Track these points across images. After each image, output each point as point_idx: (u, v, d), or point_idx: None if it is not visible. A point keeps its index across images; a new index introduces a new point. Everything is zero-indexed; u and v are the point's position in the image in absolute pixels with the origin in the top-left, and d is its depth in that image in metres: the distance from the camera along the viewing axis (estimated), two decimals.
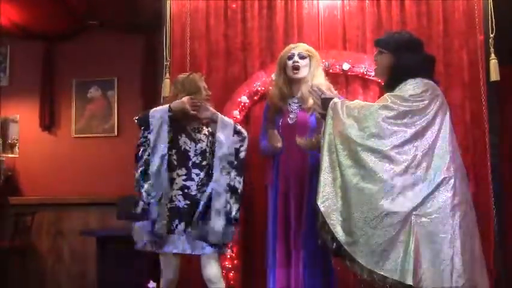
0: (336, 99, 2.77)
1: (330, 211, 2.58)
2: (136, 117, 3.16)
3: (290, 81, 3.40)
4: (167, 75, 4.08)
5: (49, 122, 5.90)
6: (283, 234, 3.31)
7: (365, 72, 3.83)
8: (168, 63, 4.10)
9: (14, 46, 6.00)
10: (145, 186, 3.03)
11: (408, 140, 2.58)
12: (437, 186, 2.53)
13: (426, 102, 2.63)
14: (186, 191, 3.14)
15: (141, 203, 3.04)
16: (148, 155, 3.05)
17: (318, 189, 2.64)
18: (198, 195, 3.15)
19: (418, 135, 2.59)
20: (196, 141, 3.22)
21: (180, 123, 3.19)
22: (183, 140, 3.19)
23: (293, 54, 3.36)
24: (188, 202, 3.13)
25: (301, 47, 3.43)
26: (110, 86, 5.83)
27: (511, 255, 3.94)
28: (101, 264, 4.07)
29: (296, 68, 3.34)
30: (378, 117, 2.59)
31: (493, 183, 3.65)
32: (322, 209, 2.60)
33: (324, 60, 3.69)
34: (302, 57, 3.36)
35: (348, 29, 3.97)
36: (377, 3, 3.96)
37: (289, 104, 3.39)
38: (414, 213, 2.49)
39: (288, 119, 3.36)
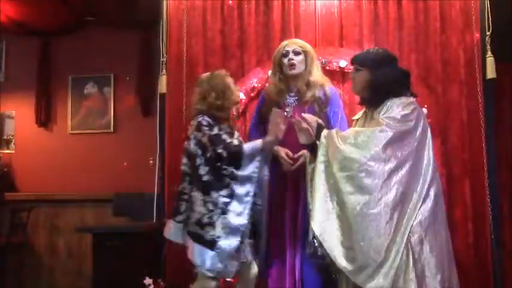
0: (326, 130, 2.78)
1: (331, 243, 2.55)
2: None
3: (286, 78, 3.39)
4: (163, 71, 4.08)
5: (45, 118, 5.90)
6: (278, 231, 3.30)
7: None
8: (165, 60, 4.10)
9: (10, 42, 5.99)
10: None
11: (404, 160, 2.58)
12: (424, 202, 2.57)
13: (414, 121, 2.64)
14: None
15: None
16: None
17: (314, 219, 2.59)
18: None
19: (411, 155, 2.60)
20: None
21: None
22: None
23: (288, 52, 3.34)
24: None
25: (294, 44, 3.40)
26: (106, 82, 5.83)
27: (507, 254, 3.95)
28: (96, 261, 4.06)
29: (292, 65, 3.32)
30: (377, 141, 2.58)
31: (489, 181, 3.65)
32: (321, 241, 2.56)
33: (320, 58, 3.68)
34: (297, 54, 3.34)
35: (345, 26, 3.97)
36: (374, 1, 3.96)
37: (286, 99, 3.38)
38: (411, 229, 2.52)
39: (285, 113, 3.35)
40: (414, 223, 2.52)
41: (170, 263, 3.94)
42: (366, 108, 2.91)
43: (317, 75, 3.35)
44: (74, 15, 5.52)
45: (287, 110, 3.32)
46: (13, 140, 6.00)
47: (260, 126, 3.48)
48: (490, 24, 3.69)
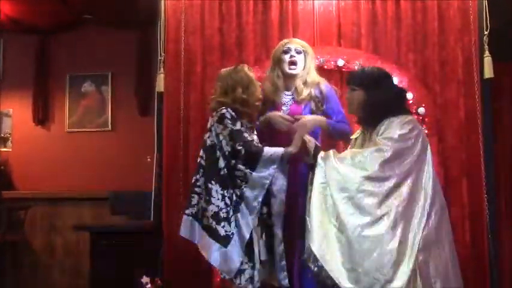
0: (322, 151, 2.77)
1: (332, 265, 2.52)
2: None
3: (284, 76, 3.38)
4: (161, 70, 4.07)
5: (42, 116, 5.90)
6: None
7: None
8: (163, 58, 4.09)
9: (8, 40, 5.97)
10: None
11: (404, 178, 2.58)
12: (427, 221, 2.56)
13: (413, 140, 2.64)
14: None
15: None
16: None
17: (313, 241, 2.56)
18: None
19: (410, 173, 2.60)
20: None
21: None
22: None
23: (289, 49, 3.33)
24: None
25: (296, 42, 3.40)
26: (104, 80, 5.83)
27: (504, 254, 3.96)
28: (94, 259, 4.06)
29: (293, 63, 3.31)
30: (374, 161, 2.58)
31: (486, 181, 3.66)
32: (322, 263, 2.53)
33: (318, 57, 3.68)
34: (298, 52, 3.34)
35: (343, 26, 3.97)
36: (372, 0, 3.96)
37: (282, 97, 3.37)
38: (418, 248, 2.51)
39: (281, 111, 3.34)
40: (419, 242, 2.51)
41: (168, 262, 3.93)
42: (363, 128, 2.89)
43: (314, 75, 3.36)
44: (72, 13, 5.52)
45: (283, 108, 3.32)
46: (10, 138, 6.00)
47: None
48: (488, 24, 3.69)
